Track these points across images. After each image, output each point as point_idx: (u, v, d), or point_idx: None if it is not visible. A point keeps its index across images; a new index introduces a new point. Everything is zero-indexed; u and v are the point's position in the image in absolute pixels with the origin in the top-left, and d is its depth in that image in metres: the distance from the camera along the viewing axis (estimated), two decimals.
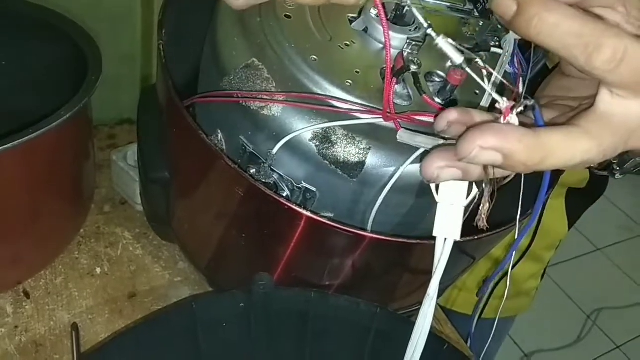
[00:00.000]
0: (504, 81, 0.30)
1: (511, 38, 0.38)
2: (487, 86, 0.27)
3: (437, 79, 0.40)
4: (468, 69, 0.26)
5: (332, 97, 0.34)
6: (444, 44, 0.26)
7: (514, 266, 0.61)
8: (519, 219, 0.41)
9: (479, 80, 0.27)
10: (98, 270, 0.53)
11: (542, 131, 0.26)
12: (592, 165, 0.54)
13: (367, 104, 0.35)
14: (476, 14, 0.42)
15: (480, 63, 0.38)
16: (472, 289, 0.68)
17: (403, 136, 0.33)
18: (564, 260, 1.82)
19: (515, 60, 0.38)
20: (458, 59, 0.26)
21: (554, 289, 1.76)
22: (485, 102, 0.37)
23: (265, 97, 0.34)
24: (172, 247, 0.56)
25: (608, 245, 1.94)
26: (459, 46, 0.27)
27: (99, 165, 0.62)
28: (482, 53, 0.40)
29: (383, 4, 0.26)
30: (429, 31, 0.26)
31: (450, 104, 0.38)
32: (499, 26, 0.40)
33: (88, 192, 0.55)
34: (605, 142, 0.26)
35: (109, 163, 0.61)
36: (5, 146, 0.38)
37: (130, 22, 1.18)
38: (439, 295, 0.56)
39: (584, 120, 0.26)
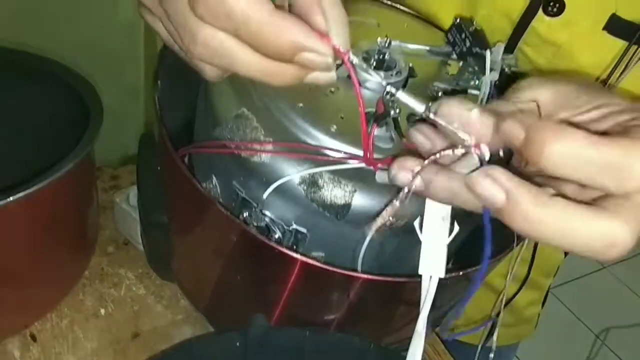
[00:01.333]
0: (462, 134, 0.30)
1: (487, 80, 0.40)
2: (457, 131, 0.28)
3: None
4: (432, 116, 0.28)
5: (318, 146, 0.36)
6: (404, 96, 0.28)
7: (513, 297, 0.62)
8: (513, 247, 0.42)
9: (445, 125, 0.28)
10: (102, 311, 0.54)
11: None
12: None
13: (352, 147, 0.37)
14: (454, 56, 0.44)
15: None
16: (471, 317, 0.68)
17: (381, 176, 0.35)
18: (571, 279, 1.82)
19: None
20: (420, 107, 0.28)
21: (562, 309, 1.75)
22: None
23: (255, 147, 0.36)
24: (173, 286, 0.57)
25: (614, 263, 1.94)
26: (417, 98, 0.28)
27: (102, 207, 0.63)
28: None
29: (353, 66, 0.28)
30: (388, 88, 0.28)
31: None
32: (476, 68, 0.42)
33: (92, 235, 0.57)
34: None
35: (112, 204, 0.63)
36: (9, 199, 0.40)
37: (133, 57, 1.22)
38: (435, 326, 0.57)
39: (611, 203, 0.23)
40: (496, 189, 0.24)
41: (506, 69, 0.44)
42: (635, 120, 0.25)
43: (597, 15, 0.47)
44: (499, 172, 0.24)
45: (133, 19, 1.11)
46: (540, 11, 0.47)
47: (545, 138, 0.23)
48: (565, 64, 0.50)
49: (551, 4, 0.46)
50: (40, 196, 0.42)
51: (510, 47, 0.50)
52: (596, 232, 0.22)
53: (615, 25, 0.46)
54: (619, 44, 0.47)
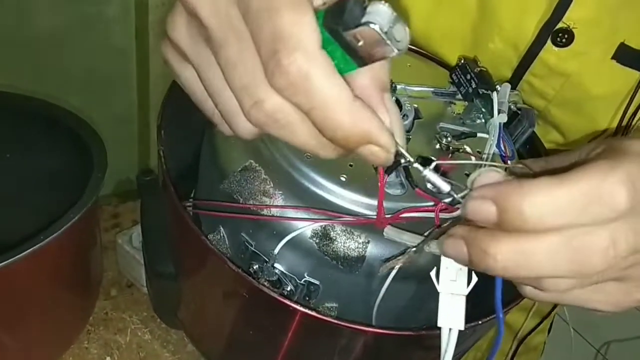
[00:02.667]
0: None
1: (496, 122, 0.40)
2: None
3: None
4: (455, 196, 0.28)
5: (327, 209, 0.36)
6: (431, 175, 0.27)
7: (532, 331, 0.61)
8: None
9: (457, 197, 0.28)
10: (108, 359, 0.53)
11: None
12: None
13: (363, 197, 0.37)
14: (459, 97, 0.44)
15: (468, 149, 0.40)
16: (481, 346, 0.68)
17: (389, 233, 0.34)
18: None
19: (502, 143, 0.39)
20: (445, 187, 0.27)
21: (561, 324, 1.74)
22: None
23: (264, 209, 0.36)
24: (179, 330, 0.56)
25: None
26: (443, 178, 0.28)
27: (104, 248, 0.62)
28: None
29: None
30: (415, 165, 0.27)
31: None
32: (483, 109, 0.42)
33: (96, 280, 0.56)
34: None
35: (114, 245, 0.62)
36: (16, 257, 0.39)
37: (125, 84, 1.21)
38: None
39: None
40: (457, 244, 0.26)
41: (511, 106, 0.44)
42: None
43: (606, 45, 0.47)
44: (456, 228, 0.26)
45: (125, 45, 1.11)
46: (549, 42, 0.47)
47: (518, 199, 0.23)
48: (574, 93, 0.50)
49: (560, 34, 0.46)
50: (46, 251, 0.41)
51: (516, 78, 0.50)
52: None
53: (625, 55, 0.46)
54: (631, 73, 0.47)
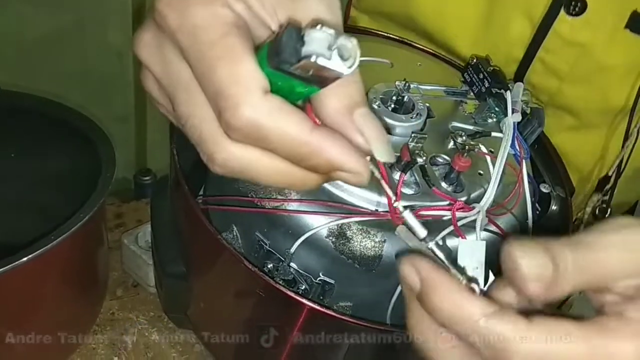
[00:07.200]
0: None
1: (510, 121, 0.40)
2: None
3: (440, 160, 0.41)
4: (432, 246, 0.26)
5: (344, 202, 0.36)
6: (410, 217, 0.27)
7: None
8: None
9: (443, 260, 0.27)
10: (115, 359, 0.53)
11: None
12: None
13: (380, 196, 0.37)
14: (472, 95, 0.44)
15: (483, 148, 0.40)
16: None
17: (401, 233, 0.34)
18: None
19: (516, 142, 0.39)
20: (422, 233, 0.27)
21: None
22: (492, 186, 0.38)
23: (279, 203, 0.35)
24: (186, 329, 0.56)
25: None
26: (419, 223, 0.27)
27: (109, 248, 0.62)
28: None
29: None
30: (396, 204, 0.27)
31: (457, 187, 0.39)
32: (497, 109, 0.42)
33: (103, 280, 0.55)
34: None
35: (119, 244, 0.61)
36: (24, 259, 0.38)
37: (123, 82, 1.20)
38: None
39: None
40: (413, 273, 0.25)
41: (523, 106, 0.44)
42: None
43: (619, 13, 0.47)
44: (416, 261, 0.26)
45: (122, 44, 1.10)
46: (563, 11, 0.47)
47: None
48: (588, 66, 0.49)
49: (573, 3, 0.46)
50: (56, 251, 0.41)
51: (529, 57, 0.51)
52: None
53: (638, 23, 0.46)
54: None
